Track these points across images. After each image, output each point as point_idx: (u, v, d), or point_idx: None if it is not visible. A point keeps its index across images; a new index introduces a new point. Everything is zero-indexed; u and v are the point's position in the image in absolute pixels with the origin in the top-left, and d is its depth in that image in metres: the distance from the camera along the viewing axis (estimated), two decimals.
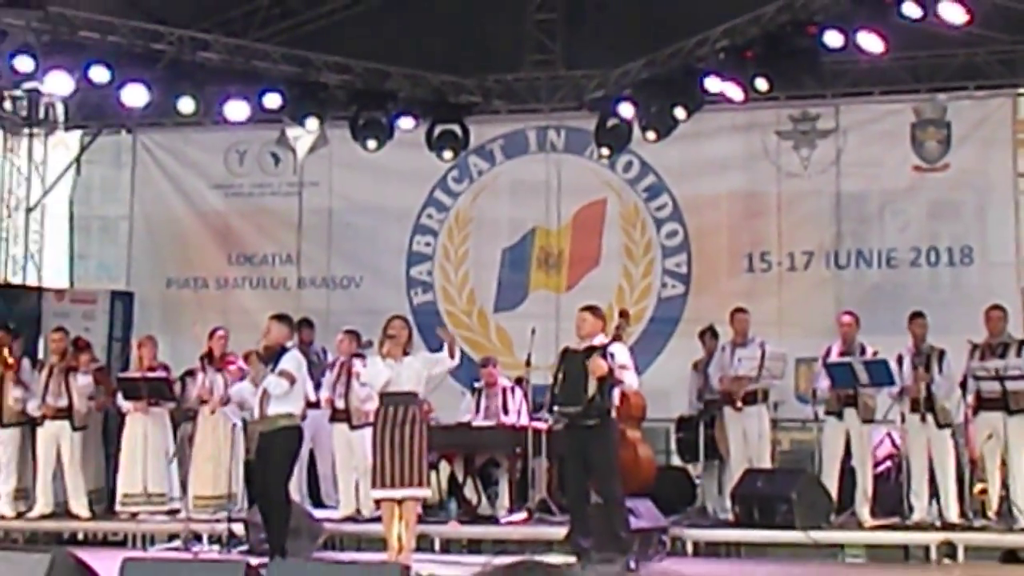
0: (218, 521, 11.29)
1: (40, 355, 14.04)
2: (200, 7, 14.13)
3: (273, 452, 10.09)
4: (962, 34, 11.82)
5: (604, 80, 13.74)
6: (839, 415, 11.86)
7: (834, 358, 11.87)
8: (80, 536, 12.23)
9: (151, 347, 12.91)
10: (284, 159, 15.63)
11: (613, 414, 9.94)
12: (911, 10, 10.79)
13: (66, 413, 12.49)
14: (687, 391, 13.08)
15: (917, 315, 11.74)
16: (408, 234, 15.34)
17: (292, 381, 9.93)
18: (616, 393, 9.90)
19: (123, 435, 12.55)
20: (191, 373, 12.62)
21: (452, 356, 9.88)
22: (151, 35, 12.97)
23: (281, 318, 10.43)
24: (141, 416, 12.42)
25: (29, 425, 12.76)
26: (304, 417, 11.91)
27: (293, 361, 10.02)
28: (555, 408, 9.99)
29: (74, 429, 12.50)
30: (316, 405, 12.40)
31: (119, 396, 12.62)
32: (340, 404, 12.21)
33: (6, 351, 12.75)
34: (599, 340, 9.90)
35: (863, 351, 11.79)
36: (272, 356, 10.06)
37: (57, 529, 12.25)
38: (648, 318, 14.52)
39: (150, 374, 12.41)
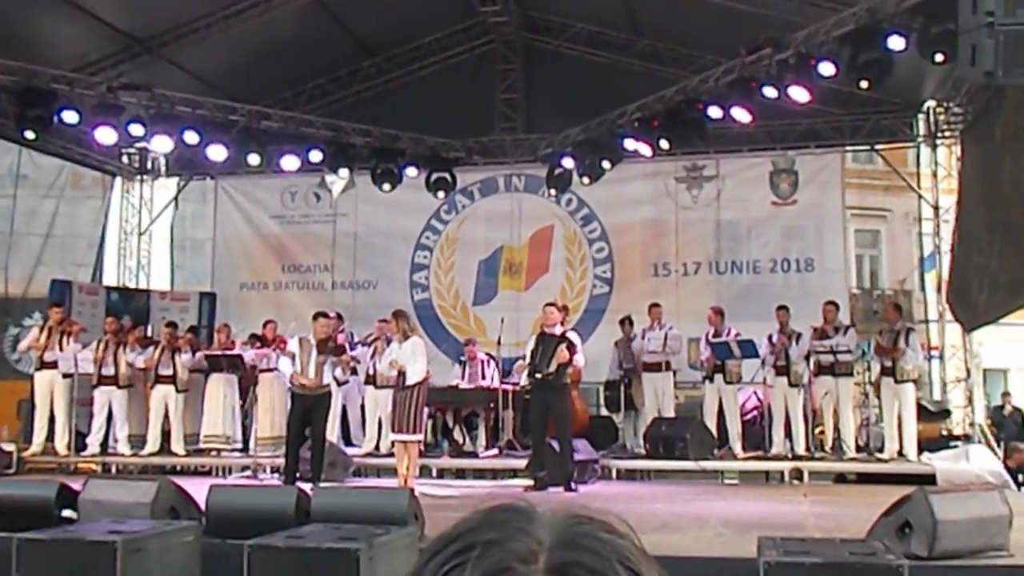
0: (276, 456, 11.18)
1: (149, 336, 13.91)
2: (263, 89, 14.02)
3: (324, 408, 10.07)
4: (805, 108, 11.84)
5: (552, 141, 13.69)
6: (711, 379, 11.95)
7: (712, 339, 11.94)
8: (178, 468, 12.15)
9: (226, 332, 12.86)
10: (323, 197, 15.49)
11: (568, 381, 10.13)
12: (769, 92, 10.82)
13: (171, 379, 12.40)
14: (611, 362, 13.08)
15: (782, 308, 11.88)
16: (411, 250, 15.18)
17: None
18: (570, 368, 10.08)
19: (205, 394, 12.41)
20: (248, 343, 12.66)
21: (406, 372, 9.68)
22: (228, 109, 12.84)
23: (320, 315, 10.36)
24: (219, 380, 12.34)
25: (137, 387, 12.67)
26: (344, 382, 11.85)
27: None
28: (537, 375, 9.86)
29: (177, 391, 12.42)
30: (354, 372, 12.36)
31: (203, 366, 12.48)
32: (371, 371, 12.18)
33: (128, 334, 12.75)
34: (558, 329, 10.03)
35: (730, 333, 11.88)
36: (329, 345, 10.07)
37: (161, 463, 12.16)
38: (583, 309, 14.43)
39: (228, 351, 12.31)
